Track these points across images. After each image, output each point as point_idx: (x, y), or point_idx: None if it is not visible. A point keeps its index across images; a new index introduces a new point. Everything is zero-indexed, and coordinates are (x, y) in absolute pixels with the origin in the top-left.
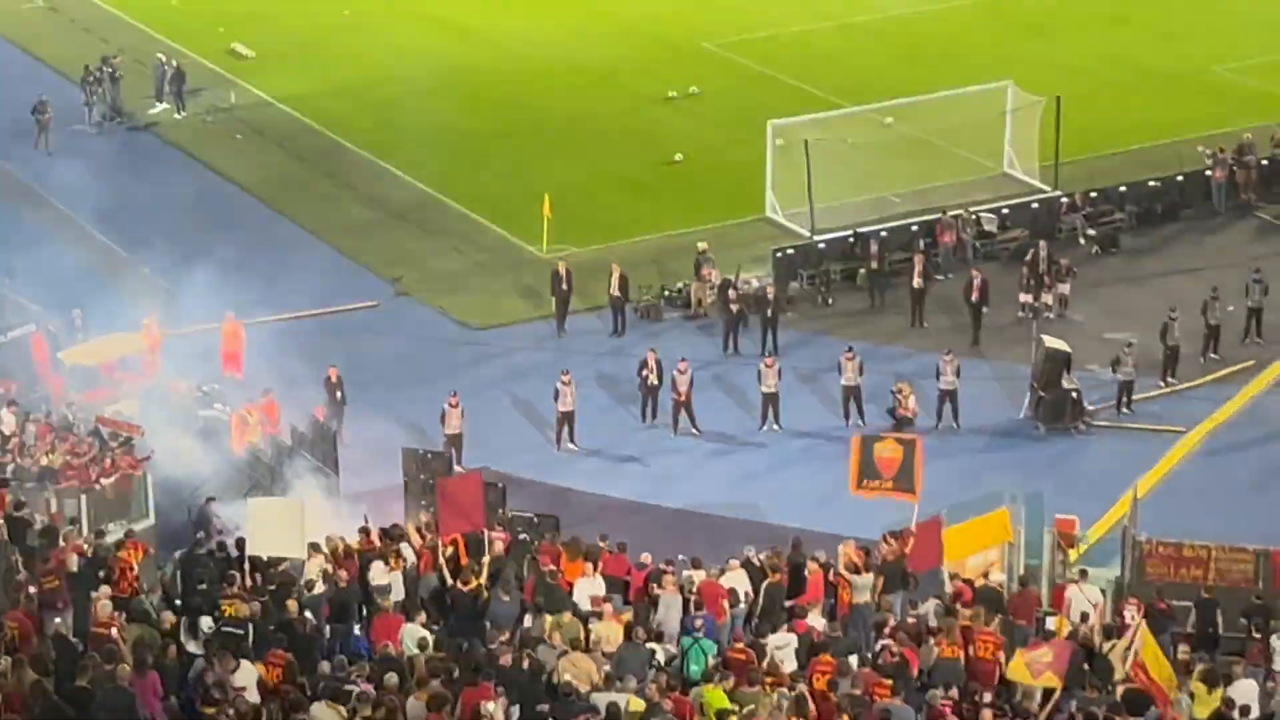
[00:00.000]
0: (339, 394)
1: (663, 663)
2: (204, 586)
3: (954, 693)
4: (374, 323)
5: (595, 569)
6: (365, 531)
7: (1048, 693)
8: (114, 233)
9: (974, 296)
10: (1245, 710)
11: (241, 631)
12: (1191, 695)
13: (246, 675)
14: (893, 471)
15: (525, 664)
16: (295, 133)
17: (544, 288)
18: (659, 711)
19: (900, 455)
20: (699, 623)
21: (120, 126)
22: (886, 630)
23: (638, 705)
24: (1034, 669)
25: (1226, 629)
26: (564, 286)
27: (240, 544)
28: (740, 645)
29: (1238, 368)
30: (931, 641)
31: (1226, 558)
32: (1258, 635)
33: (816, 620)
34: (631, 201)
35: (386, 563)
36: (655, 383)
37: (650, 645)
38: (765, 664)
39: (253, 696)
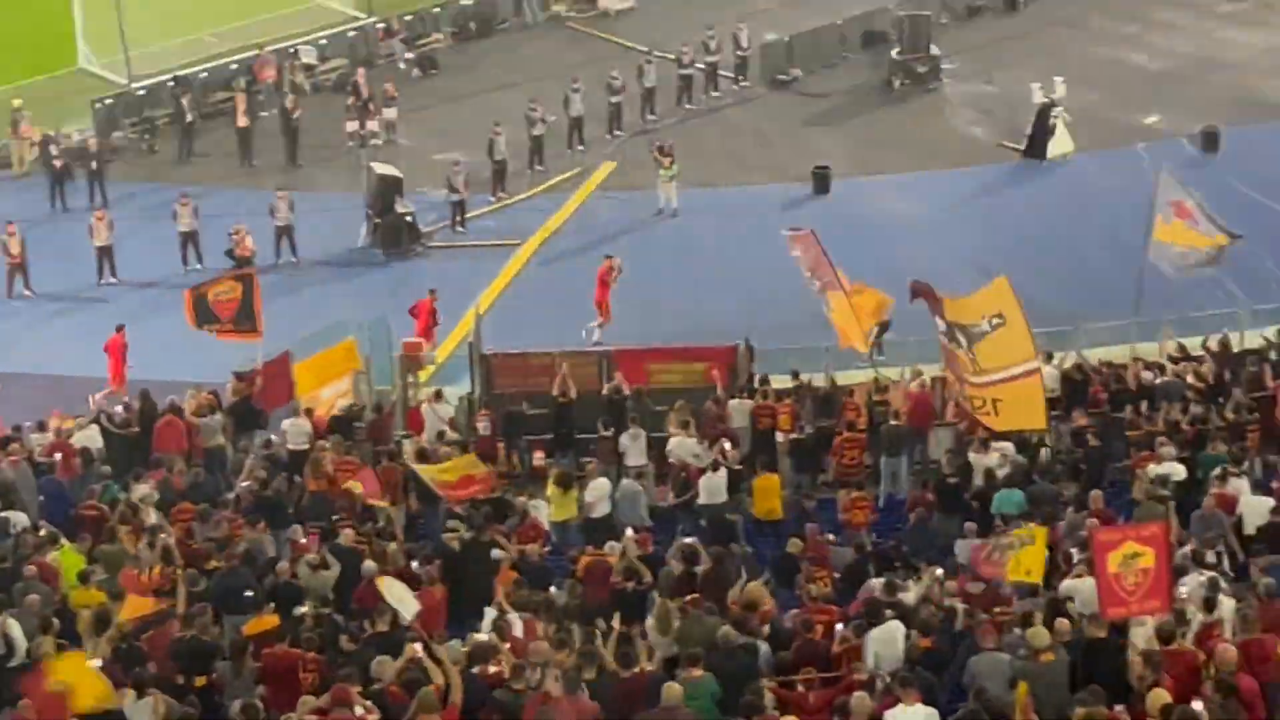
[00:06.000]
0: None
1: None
2: None
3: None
4: None
5: None
6: None
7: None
8: None
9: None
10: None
11: None
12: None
13: None
14: (231, 313)
15: None
16: None
17: None
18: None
19: (238, 294)
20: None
21: None
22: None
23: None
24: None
25: (584, 432)
26: None
27: None
28: (92, 502)
29: (564, 176)
30: (303, 474)
31: (572, 362)
32: (608, 433)
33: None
34: None
35: None
36: None
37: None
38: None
39: None
